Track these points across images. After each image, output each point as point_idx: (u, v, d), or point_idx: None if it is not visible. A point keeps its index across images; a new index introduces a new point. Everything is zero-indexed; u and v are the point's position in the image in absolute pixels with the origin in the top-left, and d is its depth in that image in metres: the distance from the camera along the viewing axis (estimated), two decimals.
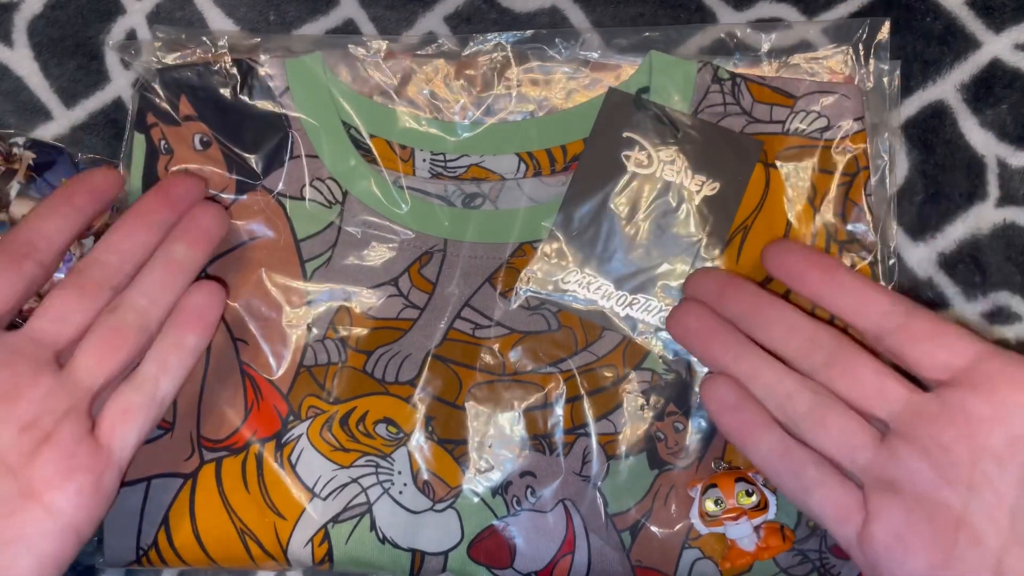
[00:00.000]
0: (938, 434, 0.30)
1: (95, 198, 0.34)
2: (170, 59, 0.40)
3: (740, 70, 0.39)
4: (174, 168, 0.38)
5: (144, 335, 0.32)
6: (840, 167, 0.38)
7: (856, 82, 0.39)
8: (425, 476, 0.37)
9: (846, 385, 0.32)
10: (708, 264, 0.37)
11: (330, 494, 0.37)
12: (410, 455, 0.37)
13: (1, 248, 0.32)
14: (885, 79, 0.39)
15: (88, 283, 0.32)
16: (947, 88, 0.40)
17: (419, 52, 0.40)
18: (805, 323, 0.33)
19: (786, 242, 0.35)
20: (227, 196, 0.38)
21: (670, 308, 0.36)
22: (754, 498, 0.35)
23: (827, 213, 0.38)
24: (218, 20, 0.42)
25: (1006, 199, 0.39)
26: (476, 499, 0.37)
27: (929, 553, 0.29)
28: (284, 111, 0.39)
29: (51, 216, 0.33)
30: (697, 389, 0.37)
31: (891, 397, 0.31)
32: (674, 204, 0.37)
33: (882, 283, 0.38)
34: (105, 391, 0.32)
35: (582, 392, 0.37)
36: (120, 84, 0.41)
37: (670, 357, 0.37)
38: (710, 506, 0.35)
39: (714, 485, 0.35)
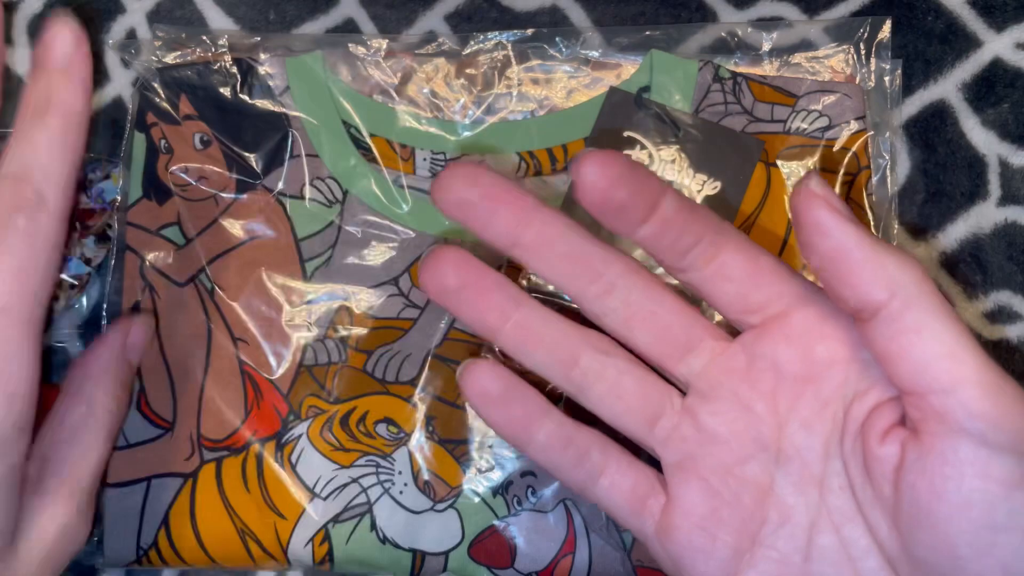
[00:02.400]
0: (743, 394, 0.26)
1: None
2: (170, 58, 0.40)
3: (741, 69, 0.39)
4: (174, 167, 0.38)
5: None
6: (841, 166, 0.38)
7: (857, 81, 0.39)
8: (426, 476, 0.37)
9: (648, 338, 0.27)
10: None
11: (330, 494, 0.37)
12: (411, 455, 0.37)
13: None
14: (886, 78, 0.39)
15: None
16: (948, 87, 0.40)
17: (419, 51, 0.40)
18: (594, 249, 0.26)
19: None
20: (227, 195, 0.38)
21: None
22: None
23: None
24: (218, 19, 0.42)
25: (1007, 198, 0.39)
26: (477, 499, 0.37)
27: (736, 539, 0.25)
28: (284, 110, 0.39)
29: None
30: None
31: (698, 350, 0.26)
32: None
33: None
34: None
35: None
36: (120, 83, 0.41)
37: None
38: None
39: None
